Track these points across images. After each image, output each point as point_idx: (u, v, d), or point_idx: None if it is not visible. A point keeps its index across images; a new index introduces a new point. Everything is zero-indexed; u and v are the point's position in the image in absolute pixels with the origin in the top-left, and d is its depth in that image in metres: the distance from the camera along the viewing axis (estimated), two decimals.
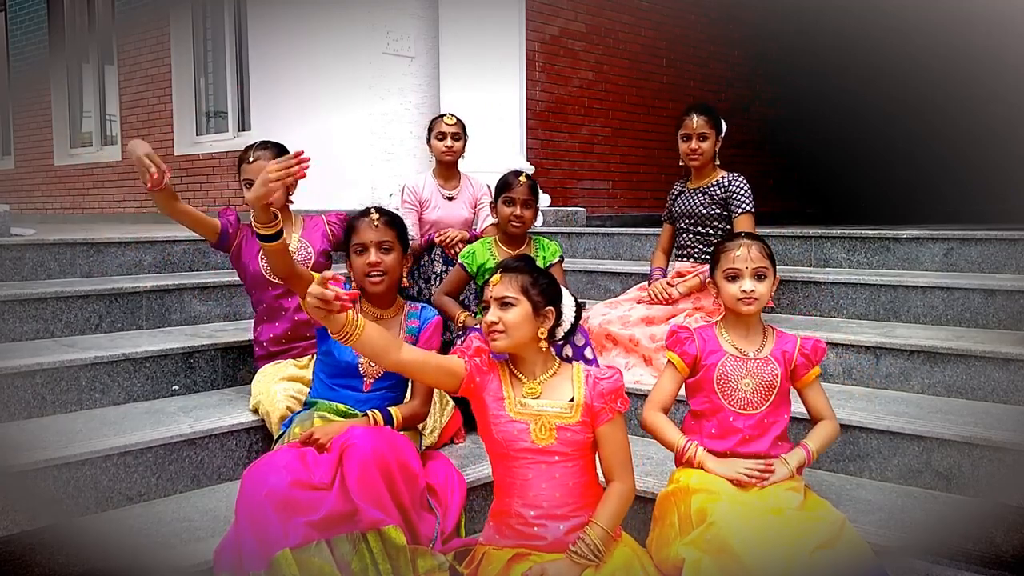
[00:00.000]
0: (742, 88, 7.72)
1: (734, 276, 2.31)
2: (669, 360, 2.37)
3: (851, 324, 3.47)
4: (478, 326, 2.45)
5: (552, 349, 2.21)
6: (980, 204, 7.12)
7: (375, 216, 2.48)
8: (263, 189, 2.29)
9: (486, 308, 2.14)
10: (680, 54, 7.15)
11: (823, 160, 8.36)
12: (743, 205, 3.46)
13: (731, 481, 2.14)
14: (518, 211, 3.21)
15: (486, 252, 3.28)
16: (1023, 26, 7.27)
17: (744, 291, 2.28)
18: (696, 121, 3.51)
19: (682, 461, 2.25)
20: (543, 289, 2.15)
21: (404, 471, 2.18)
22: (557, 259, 3.36)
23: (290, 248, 2.95)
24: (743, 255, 2.30)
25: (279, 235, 2.39)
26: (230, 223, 2.96)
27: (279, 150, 2.94)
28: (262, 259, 2.92)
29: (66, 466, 2.34)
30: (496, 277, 2.13)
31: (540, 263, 3.28)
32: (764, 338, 2.35)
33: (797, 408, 2.51)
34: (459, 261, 3.33)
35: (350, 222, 2.54)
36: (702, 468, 2.19)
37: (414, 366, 2.11)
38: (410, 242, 3.63)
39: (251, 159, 2.90)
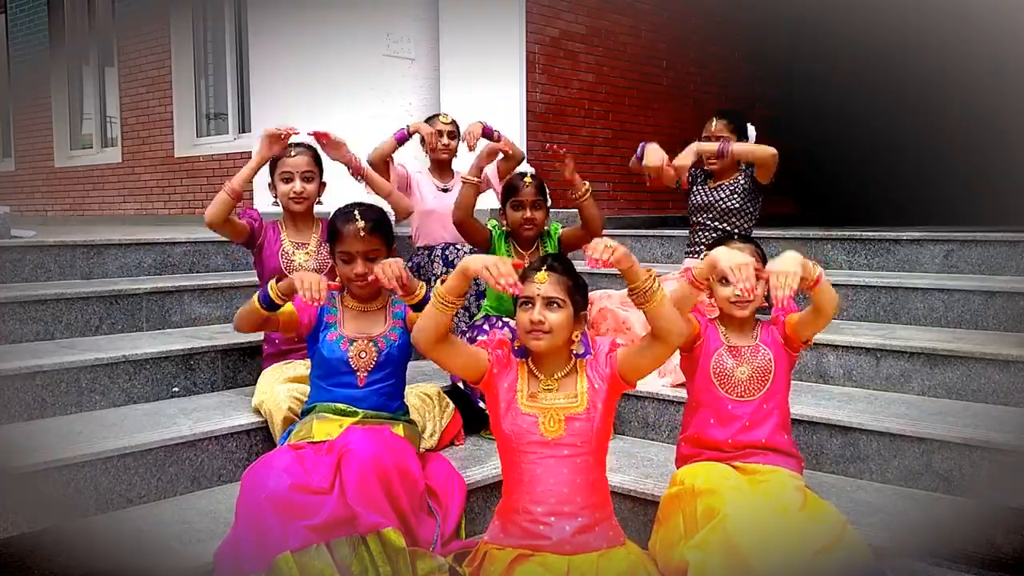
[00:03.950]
0: (742, 90, 7.71)
1: (729, 280, 2.33)
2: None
3: (851, 326, 3.46)
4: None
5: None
6: (980, 205, 7.11)
7: (360, 224, 2.40)
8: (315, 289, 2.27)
9: (526, 304, 2.12)
10: (680, 56, 7.15)
11: (823, 161, 8.35)
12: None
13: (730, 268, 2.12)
14: (528, 214, 3.18)
15: (503, 243, 3.27)
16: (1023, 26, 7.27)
17: (737, 295, 2.31)
18: (715, 125, 3.56)
19: (699, 280, 2.22)
20: (583, 292, 2.15)
21: (403, 476, 2.17)
22: (561, 231, 3.40)
23: (309, 248, 3.02)
24: None
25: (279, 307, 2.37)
26: (255, 220, 3.02)
27: (314, 152, 3.03)
28: (282, 256, 2.98)
29: (66, 468, 2.33)
30: (543, 275, 2.10)
31: (552, 248, 3.31)
32: (756, 330, 2.40)
33: (797, 410, 2.51)
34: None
35: (334, 223, 2.48)
36: (713, 260, 2.16)
37: (447, 350, 2.12)
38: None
39: (293, 153, 2.98)
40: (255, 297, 2.33)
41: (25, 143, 9.93)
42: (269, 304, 2.32)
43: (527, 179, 3.20)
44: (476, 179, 3.26)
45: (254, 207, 3.12)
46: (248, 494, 2.07)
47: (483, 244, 3.29)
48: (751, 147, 3.45)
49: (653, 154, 3.41)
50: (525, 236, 3.25)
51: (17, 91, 9.91)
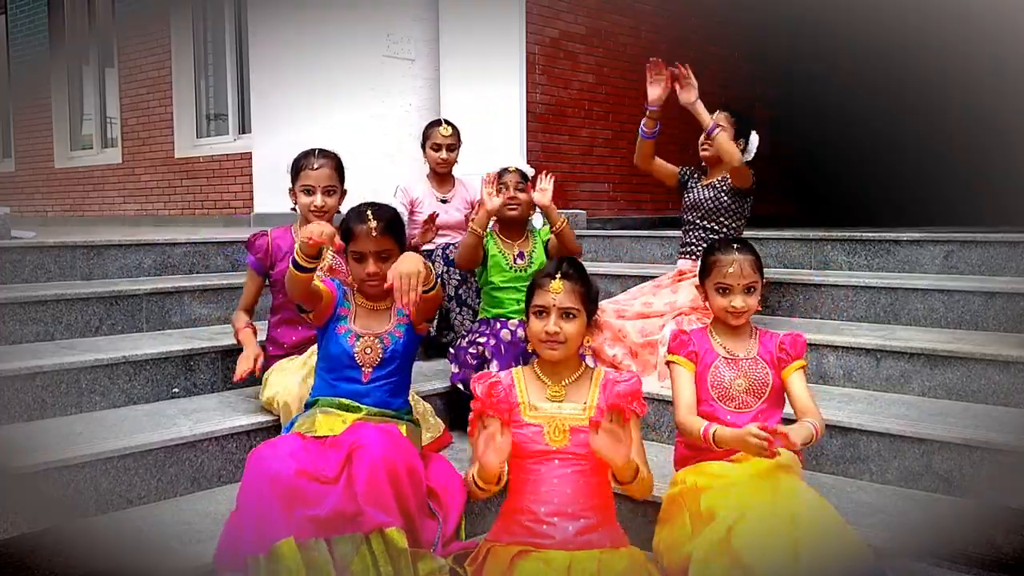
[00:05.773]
0: (742, 90, 7.72)
1: (725, 290, 2.34)
2: (675, 363, 2.36)
3: (851, 327, 3.47)
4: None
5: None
6: (980, 205, 7.12)
7: (373, 224, 2.41)
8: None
9: (540, 313, 2.11)
10: (680, 56, 7.08)
11: (823, 161, 8.35)
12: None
13: (741, 448, 2.06)
14: (511, 192, 3.26)
15: (491, 242, 3.29)
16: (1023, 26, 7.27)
17: (734, 307, 2.32)
18: (716, 114, 3.56)
19: (704, 444, 2.19)
20: (594, 299, 2.14)
21: (412, 476, 2.19)
22: (548, 240, 3.40)
23: (324, 253, 2.98)
24: (735, 272, 2.33)
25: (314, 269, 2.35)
26: (260, 252, 3.01)
27: (336, 162, 2.99)
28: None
29: (66, 469, 2.34)
30: (557, 284, 2.08)
31: (540, 244, 3.35)
32: (752, 339, 2.39)
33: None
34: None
35: (347, 224, 2.49)
36: (721, 441, 2.12)
37: None
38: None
39: (316, 165, 2.92)
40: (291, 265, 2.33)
41: (25, 143, 9.93)
42: (300, 267, 2.30)
43: (511, 167, 3.34)
44: (482, 232, 3.17)
45: (262, 234, 3.09)
46: (252, 473, 2.07)
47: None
48: (730, 148, 3.42)
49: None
50: (509, 215, 3.29)
51: (17, 91, 9.92)
